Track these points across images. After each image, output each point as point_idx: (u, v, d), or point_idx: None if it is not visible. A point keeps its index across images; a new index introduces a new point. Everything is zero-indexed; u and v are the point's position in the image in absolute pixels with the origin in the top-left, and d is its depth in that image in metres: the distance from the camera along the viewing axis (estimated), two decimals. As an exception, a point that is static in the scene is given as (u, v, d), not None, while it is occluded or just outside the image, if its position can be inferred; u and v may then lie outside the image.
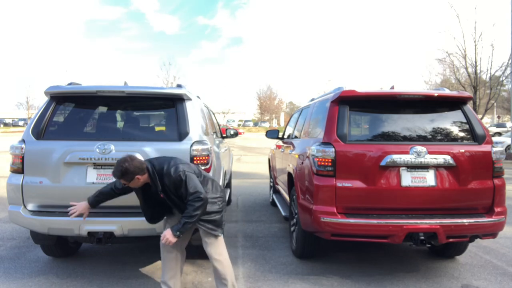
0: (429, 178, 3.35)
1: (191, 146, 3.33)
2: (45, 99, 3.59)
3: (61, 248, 3.90)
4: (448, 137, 3.55)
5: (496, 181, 3.42)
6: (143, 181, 2.74)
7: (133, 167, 2.61)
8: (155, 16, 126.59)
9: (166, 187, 2.74)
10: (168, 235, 2.67)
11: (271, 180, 7.08)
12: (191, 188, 2.67)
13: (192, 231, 3.05)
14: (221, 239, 2.94)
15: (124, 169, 2.59)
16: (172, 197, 2.78)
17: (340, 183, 3.36)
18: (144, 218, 3.10)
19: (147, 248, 4.40)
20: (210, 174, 3.38)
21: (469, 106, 3.70)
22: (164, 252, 3.01)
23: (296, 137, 5.17)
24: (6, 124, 60.64)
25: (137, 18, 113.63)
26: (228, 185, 6.27)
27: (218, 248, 2.90)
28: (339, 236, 3.40)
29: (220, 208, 2.89)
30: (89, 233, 3.15)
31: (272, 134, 6.40)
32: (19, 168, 3.29)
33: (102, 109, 3.89)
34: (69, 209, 2.95)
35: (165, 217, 3.07)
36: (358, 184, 3.35)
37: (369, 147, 3.43)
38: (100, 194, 2.95)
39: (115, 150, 3.23)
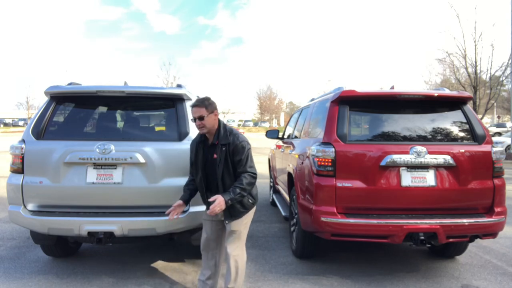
0: (429, 178, 3.35)
1: (191, 146, 3.33)
2: (45, 99, 3.59)
3: (61, 248, 3.90)
4: (448, 137, 3.55)
5: (496, 181, 3.42)
6: (210, 127, 2.75)
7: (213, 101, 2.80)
8: (155, 16, 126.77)
9: (227, 147, 2.74)
10: (219, 202, 2.60)
11: (271, 180, 7.08)
12: (250, 162, 2.77)
13: (222, 228, 2.97)
14: (242, 236, 2.90)
15: (208, 99, 2.77)
16: (227, 160, 2.74)
17: (340, 183, 3.35)
18: (144, 218, 3.11)
19: (147, 248, 4.40)
20: None
21: (469, 106, 3.70)
22: (204, 250, 2.98)
23: (296, 137, 5.17)
24: (6, 124, 60.64)
25: (137, 18, 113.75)
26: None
27: (235, 244, 2.85)
28: (339, 236, 3.40)
29: (253, 201, 2.88)
30: (89, 233, 3.14)
31: (272, 134, 6.40)
32: (19, 168, 3.28)
33: (102, 109, 3.89)
34: (167, 211, 2.86)
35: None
36: (358, 184, 3.35)
37: (369, 147, 3.43)
38: (186, 188, 2.96)
39: (115, 150, 3.23)
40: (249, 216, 2.92)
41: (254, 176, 2.76)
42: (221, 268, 3.12)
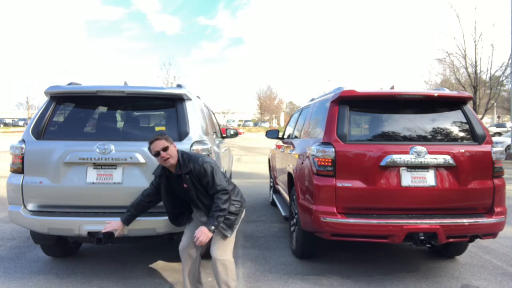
0: (429, 178, 3.35)
1: (191, 146, 3.33)
2: (45, 99, 3.59)
3: (61, 248, 3.90)
4: (448, 137, 3.55)
5: (496, 181, 3.42)
6: (174, 157, 2.77)
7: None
8: (156, 16, 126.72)
9: (190, 174, 2.77)
10: (204, 233, 2.66)
11: (271, 180, 7.08)
12: (218, 180, 2.77)
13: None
14: (229, 241, 2.90)
15: (164, 134, 2.83)
16: (196, 186, 2.78)
17: (340, 183, 3.35)
18: (144, 218, 3.10)
19: (147, 248, 4.40)
20: None
21: (469, 106, 3.70)
22: (185, 260, 2.97)
23: (296, 137, 5.17)
24: (6, 124, 60.64)
25: (138, 18, 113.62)
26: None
27: (224, 250, 2.86)
28: (339, 236, 3.40)
29: (237, 210, 2.90)
30: (89, 233, 3.14)
31: (272, 134, 6.41)
32: (19, 168, 3.28)
33: (102, 109, 3.88)
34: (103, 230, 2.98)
35: (186, 224, 3.07)
36: (358, 184, 3.35)
37: (369, 147, 3.43)
38: (131, 208, 3.01)
39: (115, 150, 3.23)
40: (239, 220, 2.96)
41: (226, 192, 2.78)
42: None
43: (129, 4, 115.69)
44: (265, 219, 5.92)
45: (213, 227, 2.68)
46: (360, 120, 4.13)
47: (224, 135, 6.36)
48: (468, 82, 20.80)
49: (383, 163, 3.32)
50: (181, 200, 2.99)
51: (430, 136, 3.53)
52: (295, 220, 4.14)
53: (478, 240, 3.78)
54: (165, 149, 2.74)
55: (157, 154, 2.75)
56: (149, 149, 2.81)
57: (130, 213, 3.01)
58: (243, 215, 3.02)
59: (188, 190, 2.82)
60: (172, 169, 2.85)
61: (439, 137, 3.55)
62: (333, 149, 3.39)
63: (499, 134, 29.44)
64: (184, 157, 2.82)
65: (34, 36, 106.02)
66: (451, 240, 3.35)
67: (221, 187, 2.77)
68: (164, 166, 2.84)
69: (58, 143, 3.29)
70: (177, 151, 2.83)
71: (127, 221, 3.01)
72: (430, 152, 3.33)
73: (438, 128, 3.59)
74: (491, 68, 20.12)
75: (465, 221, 3.27)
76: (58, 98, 3.56)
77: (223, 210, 2.72)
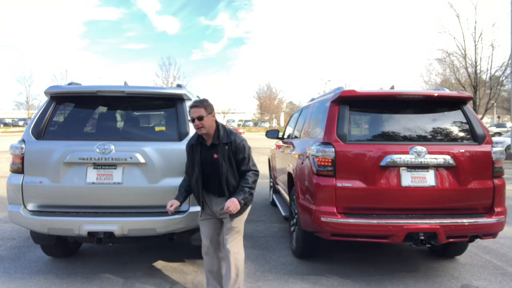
0: (429, 178, 3.35)
1: (191, 146, 3.33)
2: (45, 99, 3.59)
3: (61, 248, 3.90)
4: (448, 137, 3.55)
5: (496, 181, 3.42)
6: (208, 128, 2.76)
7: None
8: (157, 17, 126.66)
9: (229, 145, 2.78)
10: (234, 203, 2.63)
11: (271, 180, 7.08)
12: (252, 161, 2.86)
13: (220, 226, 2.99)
14: (241, 233, 2.94)
15: (206, 100, 2.83)
16: (230, 159, 2.77)
17: (340, 183, 3.35)
18: (144, 218, 3.10)
19: (147, 248, 4.40)
20: None
21: (469, 106, 3.70)
22: (207, 255, 2.96)
23: (296, 137, 5.17)
24: (6, 124, 60.67)
25: (139, 19, 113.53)
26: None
27: (238, 238, 2.89)
28: (339, 236, 3.40)
29: (250, 200, 2.91)
30: (89, 233, 3.14)
31: (272, 134, 6.41)
32: (19, 168, 3.28)
33: (102, 109, 3.89)
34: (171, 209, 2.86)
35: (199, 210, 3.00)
36: (358, 184, 3.35)
37: (369, 147, 3.43)
38: (182, 188, 2.96)
39: (115, 150, 3.23)
40: (247, 212, 2.97)
41: (257, 174, 2.85)
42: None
43: (131, 5, 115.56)
44: (265, 219, 5.92)
45: (242, 199, 2.69)
46: (360, 120, 4.13)
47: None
48: (468, 82, 20.80)
49: (383, 163, 3.32)
50: (202, 174, 2.88)
51: (430, 136, 3.53)
52: (295, 220, 4.14)
53: (478, 240, 3.78)
54: (200, 118, 2.73)
55: (192, 121, 2.78)
56: (188, 112, 2.88)
57: (183, 193, 2.93)
58: (249, 209, 3.01)
59: (217, 162, 2.78)
60: (207, 139, 2.85)
61: (439, 137, 3.55)
62: (333, 149, 3.39)
63: (499, 134, 29.43)
64: (225, 129, 2.87)
65: (34, 36, 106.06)
66: (451, 240, 3.35)
67: (255, 167, 2.84)
68: (199, 135, 2.86)
69: (58, 143, 3.29)
70: (216, 122, 2.85)
71: (181, 200, 2.91)
72: (430, 152, 3.33)
73: (438, 128, 3.59)
74: (491, 68, 20.15)
75: (465, 221, 3.26)
76: (58, 98, 3.56)
77: (252, 187, 2.76)
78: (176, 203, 2.83)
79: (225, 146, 2.77)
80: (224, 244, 2.89)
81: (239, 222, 2.88)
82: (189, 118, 3.39)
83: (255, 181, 2.81)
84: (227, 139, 2.79)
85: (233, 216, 2.79)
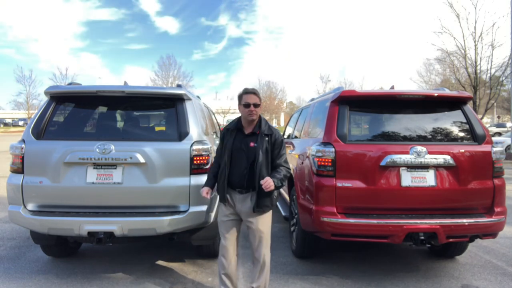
0: (429, 178, 3.35)
1: (191, 146, 3.33)
2: (45, 99, 3.59)
3: (61, 248, 3.90)
4: (448, 137, 3.55)
5: (496, 181, 3.42)
6: (257, 117, 2.84)
7: None
8: (157, 17, 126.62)
9: (269, 137, 2.82)
10: (270, 181, 2.66)
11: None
12: (286, 159, 2.91)
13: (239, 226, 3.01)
14: (269, 237, 2.97)
15: (257, 90, 2.89)
16: (267, 151, 2.80)
17: (340, 183, 3.35)
18: (144, 218, 3.10)
19: (147, 248, 4.40)
20: None
21: (469, 106, 3.70)
22: (224, 256, 2.94)
23: (296, 137, 5.17)
24: (6, 124, 60.69)
25: (140, 19, 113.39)
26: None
27: (267, 243, 2.92)
28: (339, 236, 3.40)
29: (275, 201, 2.94)
30: (89, 233, 3.14)
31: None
32: (19, 168, 3.29)
33: (102, 109, 3.89)
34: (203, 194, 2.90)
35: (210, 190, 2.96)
36: (358, 184, 3.35)
37: (369, 147, 3.43)
38: (211, 174, 2.99)
39: (115, 150, 3.23)
40: (270, 216, 2.97)
41: (289, 171, 2.88)
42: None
43: (132, 5, 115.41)
44: (265, 219, 5.91)
45: (276, 181, 2.70)
46: (360, 120, 4.13)
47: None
48: (468, 82, 20.77)
49: (383, 163, 3.32)
50: (230, 161, 2.87)
51: (430, 136, 3.53)
52: (295, 220, 4.14)
53: (478, 240, 3.79)
54: (256, 105, 2.80)
55: (247, 106, 2.79)
56: (240, 96, 2.85)
57: (211, 179, 2.96)
58: (270, 213, 3.00)
59: (254, 150, 2.79)
60: (247, 126, 2.88)
61: (439, 137, 3.55)
62: (333, 149, 3.39)
63: (499, 134, 29.44)
64: (267, 121, 2.92)
65: (35, 36, 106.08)
66: (451, 240, 3.35)
67: (287, 164, 2.88)
68: (240, 121, 2.89)
69: (58, 143, 3.29)
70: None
71: (211, 186, 2.95)
72: (430, 152, 3.33)
73: (438, 128, 3.59)
74: (491, 68, 20.10)
75: (465, 221, 3.26)
76: (58, 98, 3.56)
77: (283, 179, 2.77)
78: (209, 189, 2.90)
79: (266, 137, 2.83)
80: (254, 248, 2.91)
81: (265, 226, 2.90)
82: (192, 116, 3.43)
83: (286, 176, 2.82)
84: (269, 131, 2.85)
85: (257, 208, 2.78)
